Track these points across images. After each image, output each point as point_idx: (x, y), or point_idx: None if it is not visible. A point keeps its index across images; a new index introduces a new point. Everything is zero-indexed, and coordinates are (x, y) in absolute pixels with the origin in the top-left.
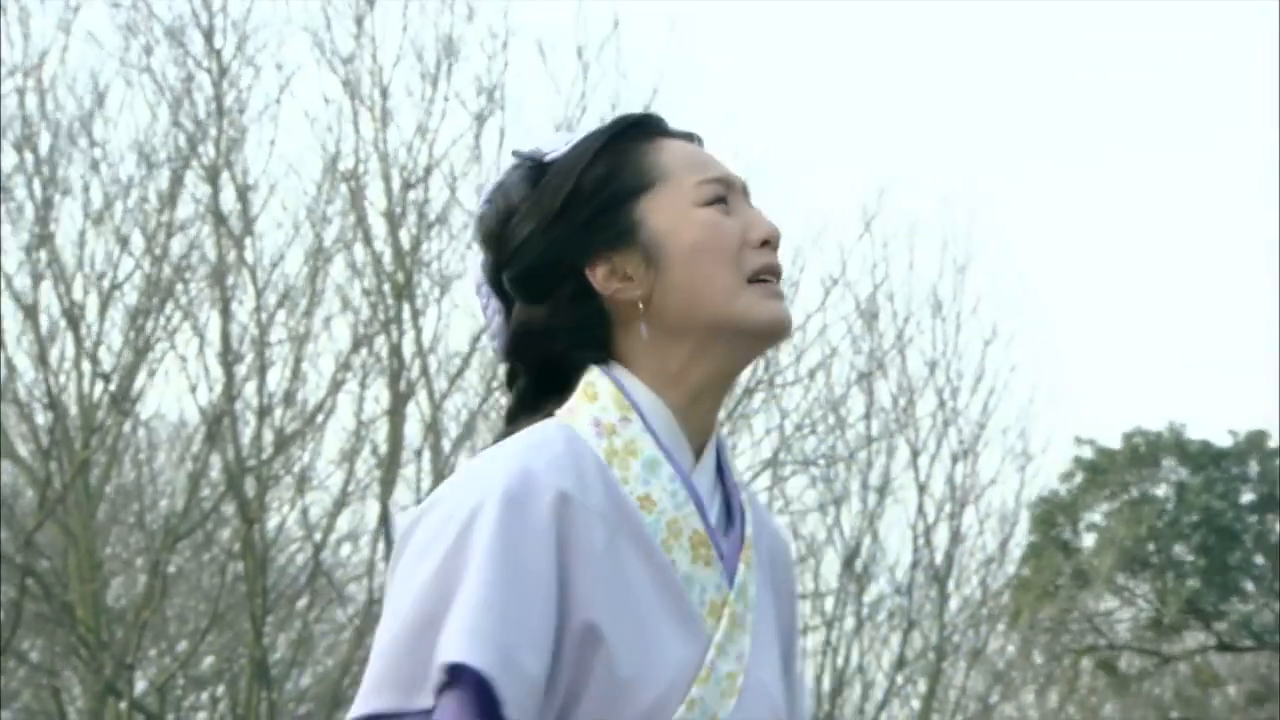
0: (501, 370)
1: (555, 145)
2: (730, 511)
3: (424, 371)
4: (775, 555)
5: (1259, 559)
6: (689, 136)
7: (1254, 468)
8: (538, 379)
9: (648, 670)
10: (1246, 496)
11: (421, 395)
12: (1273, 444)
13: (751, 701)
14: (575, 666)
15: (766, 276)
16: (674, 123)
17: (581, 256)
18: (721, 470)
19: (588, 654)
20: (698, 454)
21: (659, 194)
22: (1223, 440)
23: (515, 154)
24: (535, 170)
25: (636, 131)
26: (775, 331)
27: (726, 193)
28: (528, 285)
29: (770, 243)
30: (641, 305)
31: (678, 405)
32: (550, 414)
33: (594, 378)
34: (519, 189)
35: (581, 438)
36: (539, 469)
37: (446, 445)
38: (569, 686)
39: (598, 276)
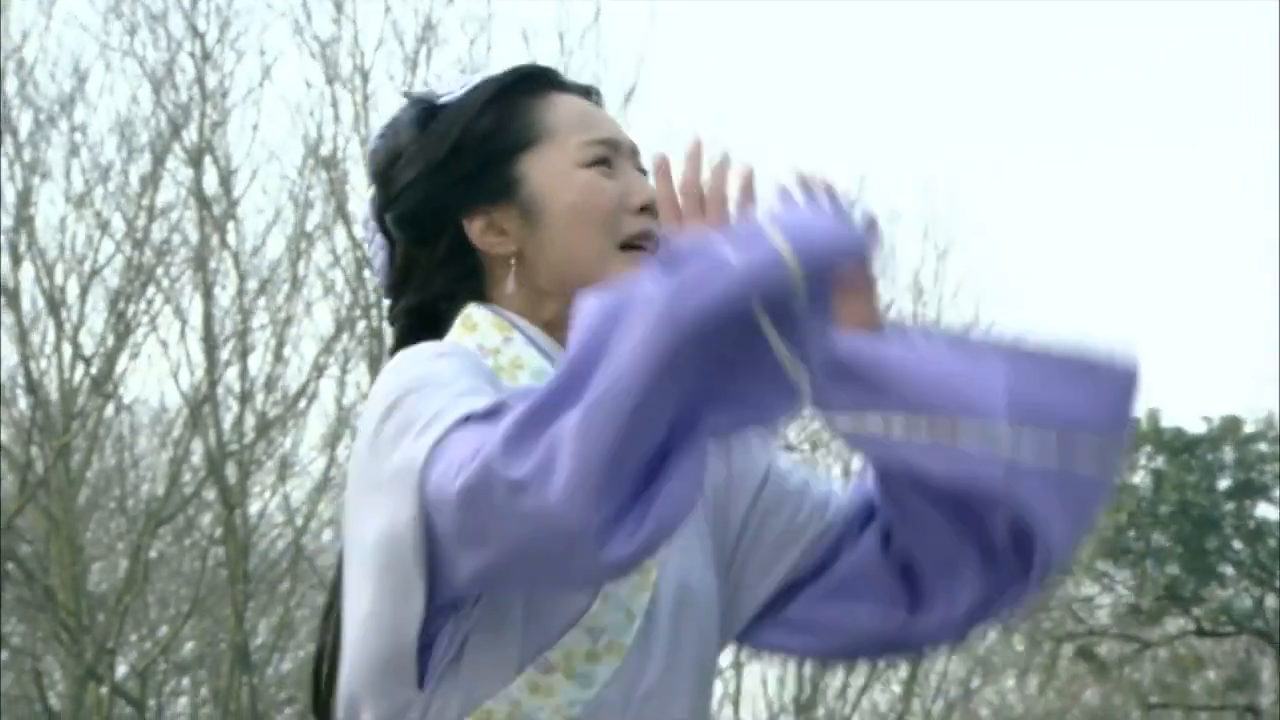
0: None
1: (450, 87)
2: None
3: None
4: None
5: (1237, 544)
6: (587, 92)
7: (1229, 454)
8: (418, 316)
9: None
10: (1223, 483)
11: None
12: (1248, 429)
13: (667, 595)
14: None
15: (641, 243)
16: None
17: (461, 208)
18: None
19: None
20: None
21: (543, 151)
22: (1197, 427)
23: (405, 94)
24: (426, 112)
25: (531, 83)
26: None
27: (611, 154)
28: (408, 229)
29: (648, 209)
30: (513, 261)
31: (550, 342)
32: None
33: (471, 310)
34: (408, 130)
35: (467, 351)
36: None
37: None
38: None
39: (474, 229)
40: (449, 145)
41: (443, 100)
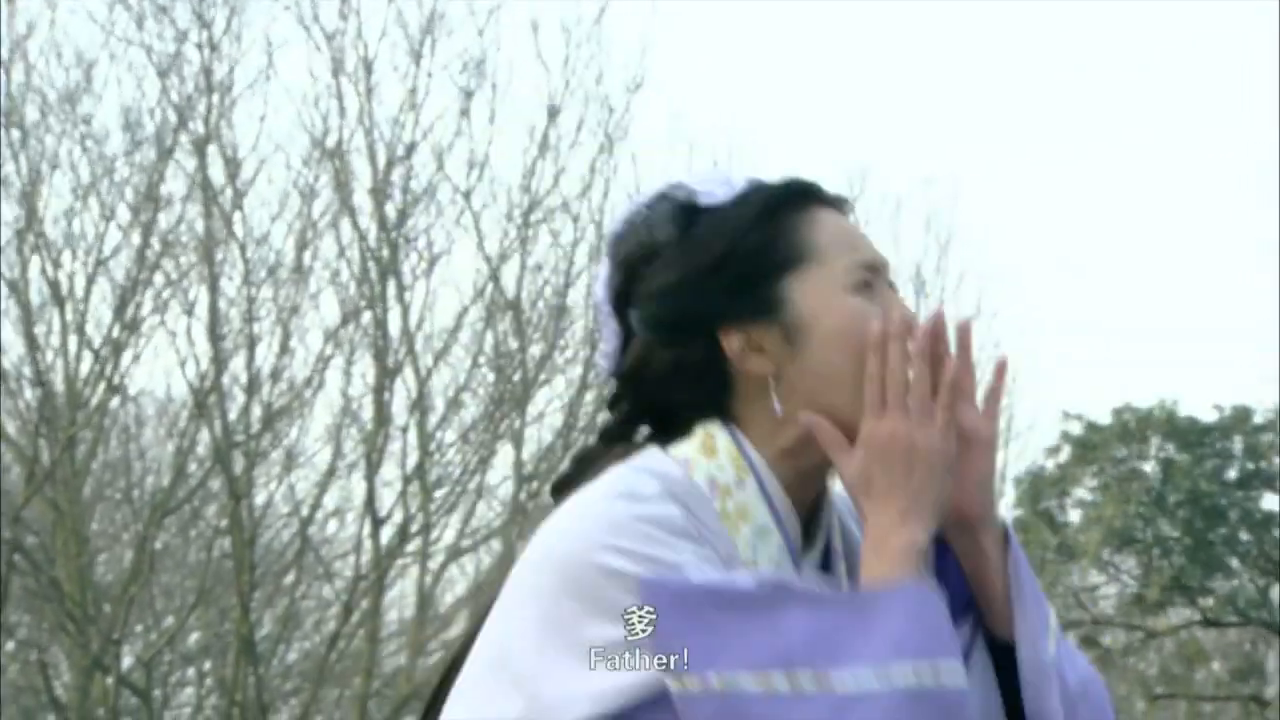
0: (488, 345)
1: (709, 189)
2: None
3: (410, 347)
4: None
5: (1244, 535)
6: (841, 204)
7: (1239, 444)
8: (642, 411)
9: None
10: (1231, 473)
11: (407, 371)
12: (1257, 419)
13: None
14: None
15: None
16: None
17: (720, 320)
18: (830, 554)
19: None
20: (805, 529)
21: (810, 272)
22: (1208, 415)
23: (667, 190)
24: (685, 213)
25: (798, 198)
26: None
27: (873, 279)
28: (660, 331)
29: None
30: (772, 380)
31: (787, 479)
32: (638, 446)
33: (715, 432)
34: (665, 229)
35: (698, 484)
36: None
37: (432, 420)
38: None
39: (732, 344)
40: (716, 256)
41: (704, 202)
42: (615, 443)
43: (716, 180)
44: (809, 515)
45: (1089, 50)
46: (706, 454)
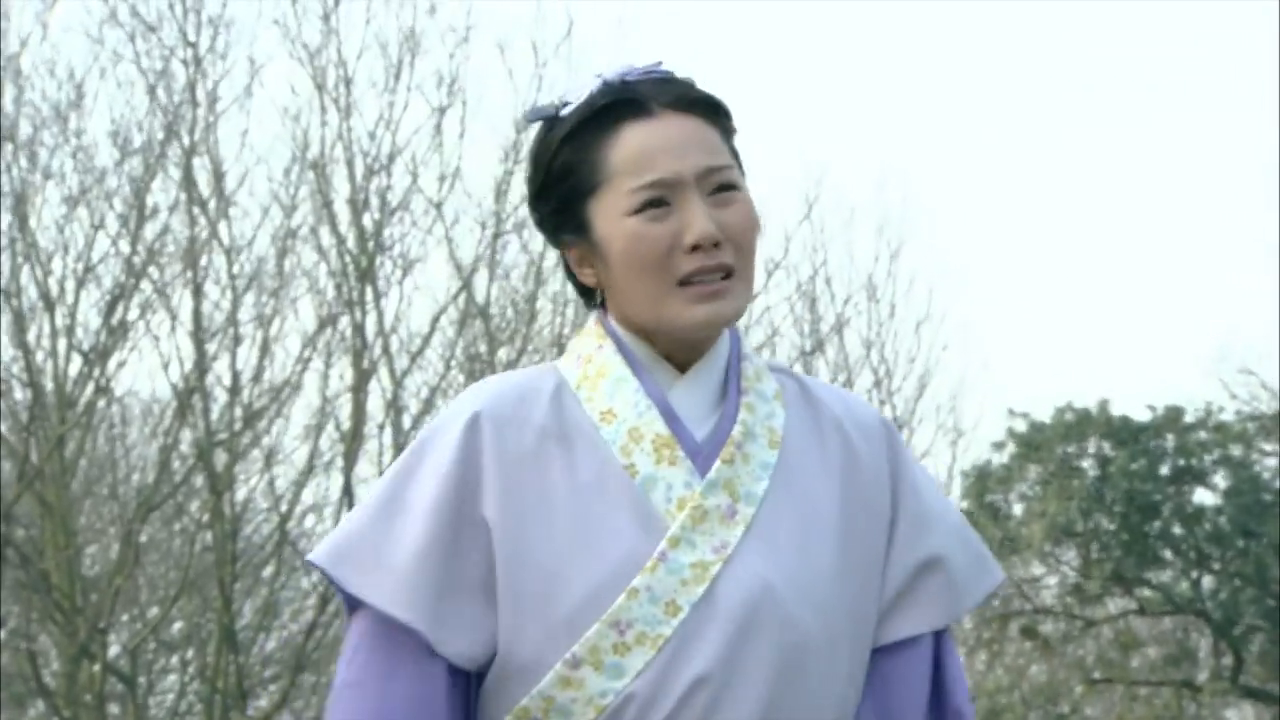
0: (457, 350)
1: (572, 101)
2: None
3: (386, 350)
4: (851, 446)
5: (1177, 529)
6: (652, 110)
7: (1171, 441)
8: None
9: (581, 562)
10: (1164, 469)
11: (383, 373)
12: (1188, 418)
13: (733, 590)
14: (484, 559)
15: (698, 279)
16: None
17: (559, 236)
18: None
19: (488, 545)
20: (685, 369)
21: (603, 197)
22: (1142, 415)
23: (557, 98)
24: (546, 126)
25: (604, 117)
26: (704, 331)
27: (665, 193)
28: (544, 237)
29: (701, 246)
30: (601, 291)
31: (654, 343)
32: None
33: (589, 317)
34: (536, 140)
35: (557, 369)
36: (468, 403)
37: (407, 421)
38: (486, 577)
39: (573, 258)
40: (538, 184)
41: (562, 115)
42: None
43: (580, 91)
44: (694, 356)
45: (1037, 52)
46: (581, 334)
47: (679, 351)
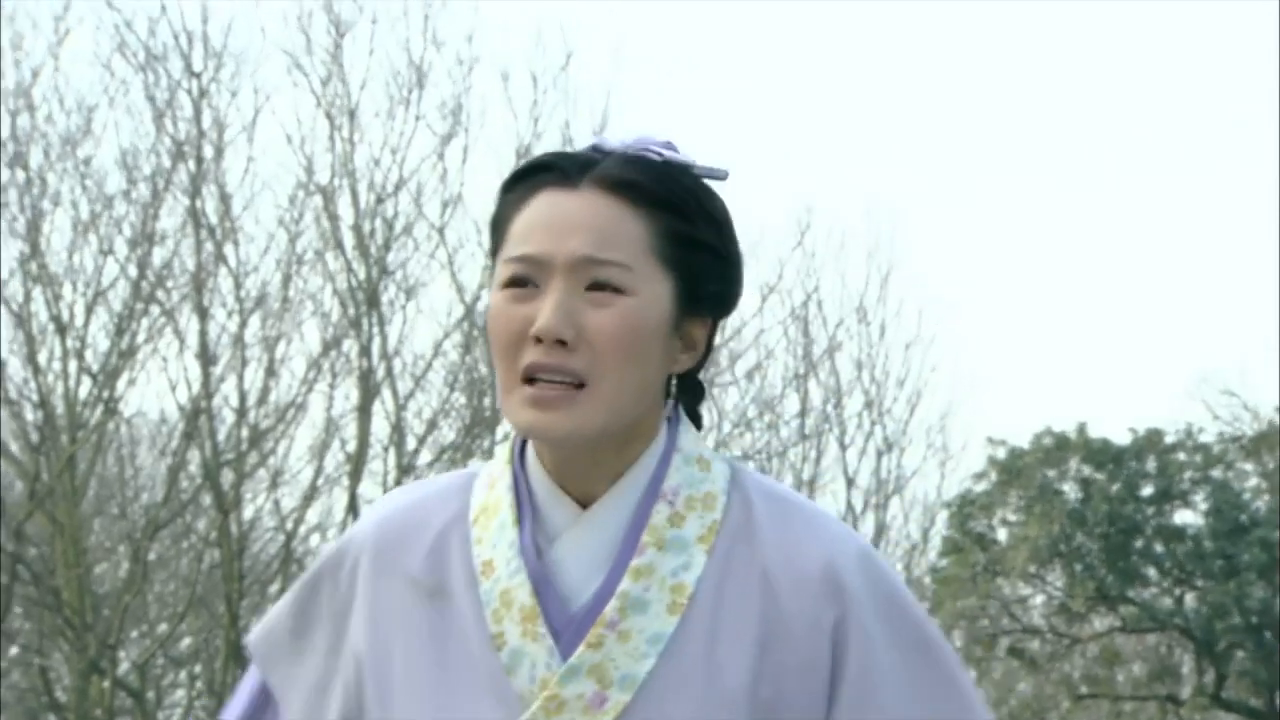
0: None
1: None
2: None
3: (389, 373)
4: (774, 600)
5: (1158, 548)
6: (573, 179)
7: (1151, 463)
8: None
9: None
10: (1146, 490)
11: (387, 395)
12: (1168, 440)
13: None
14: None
15: (540, 377)
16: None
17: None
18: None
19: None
20: (589, 503)
21: (498, 262)
22: (1123, 438)
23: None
24: None
25: (527, 178)
26: (533, 436)
27: (532, 273)
28: None
29: (542, 340)
30: None
31: (544, 479)
32: None
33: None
34: None
35: (465, 489)
36: (358, 541)
37: (411, 442)
38: None
39: None
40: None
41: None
42: None
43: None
44: (590, 496)
45: (1022, 87)
46: (504, 445)
47: (570, 479)
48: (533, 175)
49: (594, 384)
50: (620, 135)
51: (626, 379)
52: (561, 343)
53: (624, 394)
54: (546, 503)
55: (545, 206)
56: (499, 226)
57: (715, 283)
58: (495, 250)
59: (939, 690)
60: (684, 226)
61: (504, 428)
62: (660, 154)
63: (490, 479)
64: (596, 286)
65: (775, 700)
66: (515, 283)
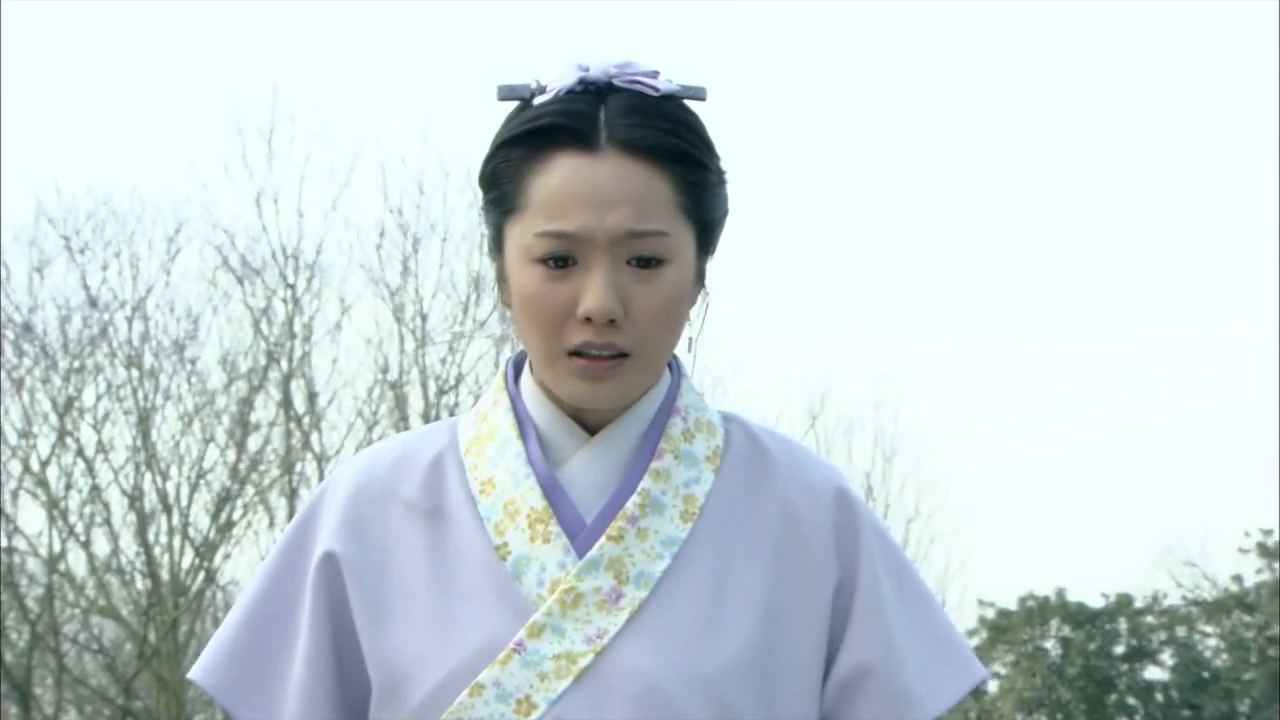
0: None
1: (548, 82)
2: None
3: None
4: (793, 517)
5: (1131, 700)
6: (631, 142)
7: (1123, 624)
8: None
9: (435, 657)
10: (1118, 649)
11: None
12: (1138, 604)
13: (612, 685)
14: (338, 648)
15: (587, 352)
16: None
17: (493, 245)
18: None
19: (343, 637)
20: (597, 431)
21: (516, 225)
22: (1097, 602)
23: (501, 91)
24: (517, 108)
25: (543, 137)
26: (586, 406)
27: (571, 249)
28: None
29: (593, 320)
30: (507, 309)
31: (547, 407)
32: None
33: (509, 358)
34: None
35: (454, 428)
36: (338, 482)
37: None
38: (342, 667)
39: (495, 270)
40: (480, 179)
41: (536, 100)
42: None
43: (559, 78)
44: (605, 418)
45: (994, 249)
46: (490, 384)
47: (588, 412)
48: (539, 135)
49: (639, 354)
50: (603, 63)
51: (668, 344)
52: (611, 321)
53: (665, 356)
54: (553, 429)
55: (571, 174)
56: (501, 183)
57: (718, 209)
58: (497, 206)
59: (920, 602)
60: (698, 174)
61: None
62: (655, 88)
63: (479, 415)
64: (640, 261)
65: (783, 613)
66: (554, 257)
